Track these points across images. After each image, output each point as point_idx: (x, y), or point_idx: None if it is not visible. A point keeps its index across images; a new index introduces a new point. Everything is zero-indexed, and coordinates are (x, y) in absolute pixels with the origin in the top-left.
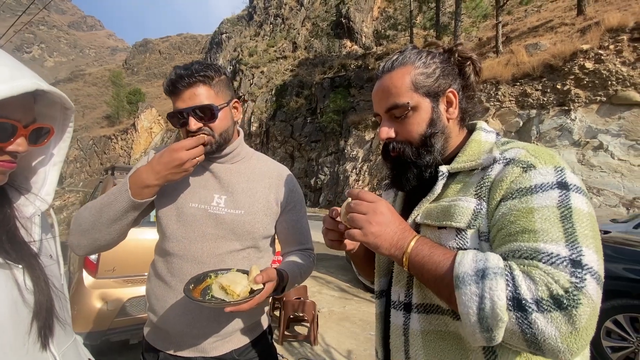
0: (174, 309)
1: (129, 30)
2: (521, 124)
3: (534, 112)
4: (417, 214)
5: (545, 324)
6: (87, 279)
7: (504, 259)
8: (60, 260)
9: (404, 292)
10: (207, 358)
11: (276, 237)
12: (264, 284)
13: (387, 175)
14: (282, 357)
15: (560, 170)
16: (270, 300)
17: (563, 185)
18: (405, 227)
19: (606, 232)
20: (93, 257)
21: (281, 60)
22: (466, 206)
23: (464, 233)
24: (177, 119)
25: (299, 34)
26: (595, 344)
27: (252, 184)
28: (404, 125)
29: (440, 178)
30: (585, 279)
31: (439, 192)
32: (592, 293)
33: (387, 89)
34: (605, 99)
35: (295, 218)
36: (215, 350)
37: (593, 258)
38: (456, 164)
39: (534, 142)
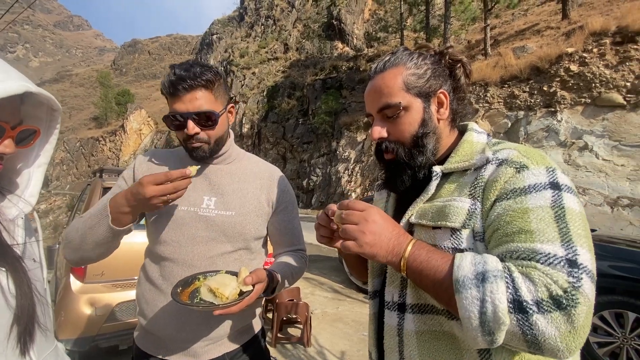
0: (164, 313)
1: (118, 30)
2: (509, 125)
3: (521, 113)
4: (411, 214)
5: (546, 324)
6: (75, 283)
7: (501, 259)
8: (43, 264)
9: (397, 293)
10: None
11: (268, 238)
12: (253, 286)
13: (380, 176)
14: None
15: (552, 170)
16: (262, 303)
17: (555, 186)
18: (400, 232)
19: (593, 230)
20: None
21: (272, 62)
22: (461, 206)
23: (458, 233)
24: (174, 121)
25: (290, 35)
26: None
27: (243, 184)
28: (396, 125)
29: (434, 178)
30: (581, 279)
31: (433, 192)
32: (589, 292)
33: (379, 89)
34: (589, 100)
35: (287, 219)
36: (207, 354)
37: (587, 257)
38: (449, 165)
39: (522, 143)
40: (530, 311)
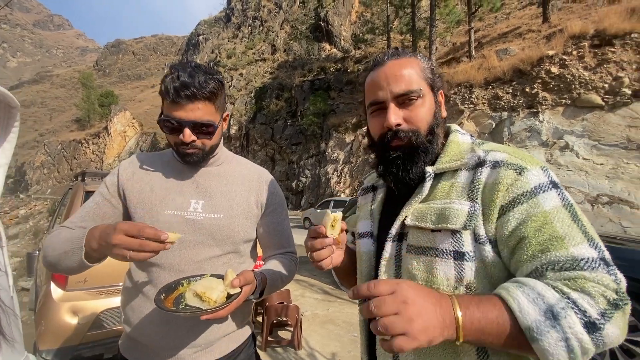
0: (150, 320)
1: (100, 30)
2: (494, 125)
3: (505, 114)
4: (406, 215)
5: (612, 328)
6: (56, 291)
7: (541, 273)
8: (8, 271)
9: None
10: None
11: (258, 241)
12: (241, 288)
13: (379, 169)
14: None
15: (546, 169)
16: (252, 307)
17: (555, 184)
18: (438, 297)
19: None
20: None
21: (260, 63)
22: (460, 208)
23: (459, 235)
24: (170, 126)
25: (277, 36)
26: None
27: (231, 187)
28: (413, 112)
29: (427, 179)
30: (617, 273)
31: (427, 193)
32: (624, 281)
33: (398, 75)
34: (569, 101)
35: (276, 221)
36: None
37: (605, 248)
38: (441, 165)
39: (506, 143)
40: (602, 325)
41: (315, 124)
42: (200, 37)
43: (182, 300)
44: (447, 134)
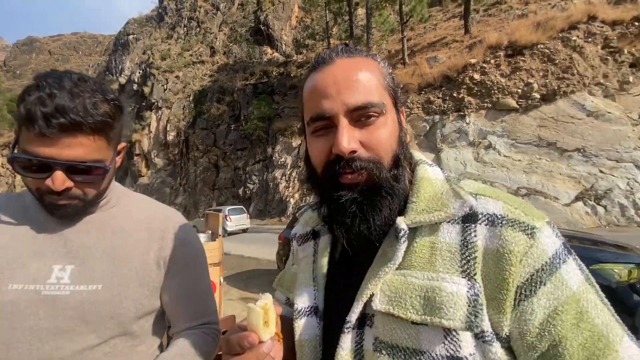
0: None
1: (9, 26)
2: (428, 128)
3: (437, 117)
4: (371, 293)
5: None
6: None
7: None
8: None
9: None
10: None
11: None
12: None
13: (322, 212)
14: None
15: (553, 225)
16: None
17: (566, 247)
18: None
19: None
20: None
21: (198, 65)
22: (455, 292)
23: (455, 333)
24: (30, 165)
25: (216, 38)
26: None
27: (119, 240)
28: (374, 134)
29: (401, 238)
30: None
31: (401, 259)
32: None
33: (353, 80)
34: (490, 105)
35: (188, 281)
36: None
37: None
38: (416, 215)
39: (439, 144)
40: None
41: (260, 129)
42: (130, 37)
43: None
44: (411, 166)
